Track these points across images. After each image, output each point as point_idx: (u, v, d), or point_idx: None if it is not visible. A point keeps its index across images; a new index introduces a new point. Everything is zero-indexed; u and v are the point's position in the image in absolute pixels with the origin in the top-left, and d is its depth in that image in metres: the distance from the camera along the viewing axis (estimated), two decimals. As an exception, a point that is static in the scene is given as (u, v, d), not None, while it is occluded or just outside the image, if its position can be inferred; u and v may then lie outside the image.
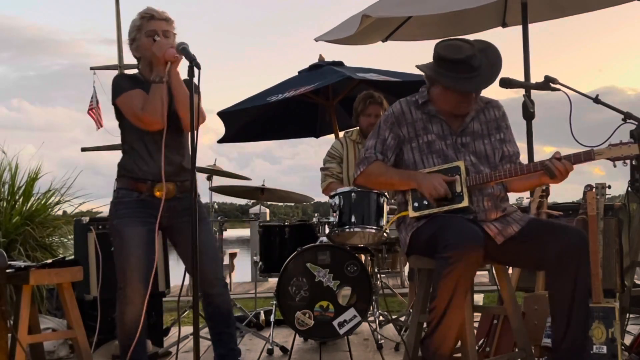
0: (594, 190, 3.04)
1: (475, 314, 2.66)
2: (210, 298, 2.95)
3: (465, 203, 2.54)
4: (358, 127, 4.44)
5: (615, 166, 2.49)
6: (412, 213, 2.63)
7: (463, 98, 2.63)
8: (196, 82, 2.45)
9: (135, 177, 2.87)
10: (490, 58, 2.63)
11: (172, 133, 2.80)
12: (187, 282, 3.03)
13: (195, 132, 2.43)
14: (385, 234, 3.80)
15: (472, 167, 2.63)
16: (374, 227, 3.74)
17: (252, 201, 7.29)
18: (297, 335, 4.14)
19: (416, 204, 2.63)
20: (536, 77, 2.99)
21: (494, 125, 2.74)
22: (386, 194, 3.84)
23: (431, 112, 2.70)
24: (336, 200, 3.82)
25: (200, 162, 4.12)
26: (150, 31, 2.83)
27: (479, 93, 2.67)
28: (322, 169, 4.46)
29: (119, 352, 3.71)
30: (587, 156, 2.49)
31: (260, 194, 4.52)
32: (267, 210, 9.91)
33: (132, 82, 2.86)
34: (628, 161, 2.55)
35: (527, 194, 3.78)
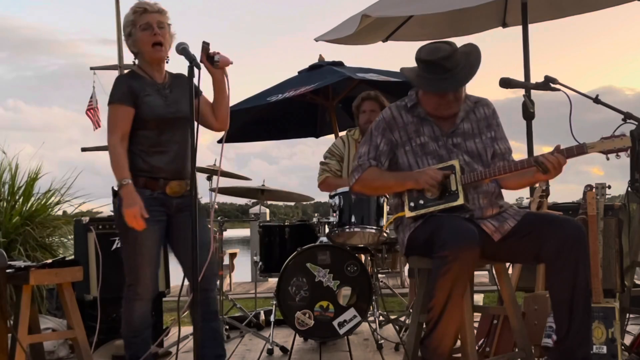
0: (594, 190, 3.04)
1: (475, 314, 2.66)
2: (207, 293, 2.96)
3: (460, 201, 2.55)
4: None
5: (608, 159, 2.47)
6: (408, 213, 2.64)
7: (439, 99, 2.65)
8: (196, 83, 2.49)
9: (147, 176, 2.89)
10: (470, 60, 2.64)
11: (179, 131, 2.88)
12: (186, 282, 3.05)
13: (196, 132, 2.46)
14: (385, 234, 3.80)
15: (466, 165, 2.64)
16: (374, 227, 3.75)
17: (252, 201, 7.29)
18: (297, 335, 4.14)
19: (412, 204, 2.63)
20: (536, 77, 3.00)
21: (484, 123, 2.75)
22: (386, 194, 3.85)
23: (421, 115, 2.72)
24: (336, 200, 3.83)
25: (200, 162, 4.11)
26: (144, 24, 2.85)
27: (458, 92, 2.66)
28: (321, 163, 4.48)
29: (119, 352, 3.74)
30: (580, 149, 2.48)
31: (260, 194, 4.52)
32: (267, 210, 9.90)
33: (128, 85, 2.87)
34: (628, 160, 2.54)
35: (527, 193, 3.78)
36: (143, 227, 2.75)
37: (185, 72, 2.54)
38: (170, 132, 2.87)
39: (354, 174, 2.77)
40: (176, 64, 2.95)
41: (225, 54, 2.75)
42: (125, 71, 3.00)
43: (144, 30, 2.84)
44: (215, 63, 2.72)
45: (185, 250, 2.90)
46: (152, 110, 2.86)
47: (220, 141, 6.02)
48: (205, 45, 2.71)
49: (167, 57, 2.93)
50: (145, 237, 2.84)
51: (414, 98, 2.74)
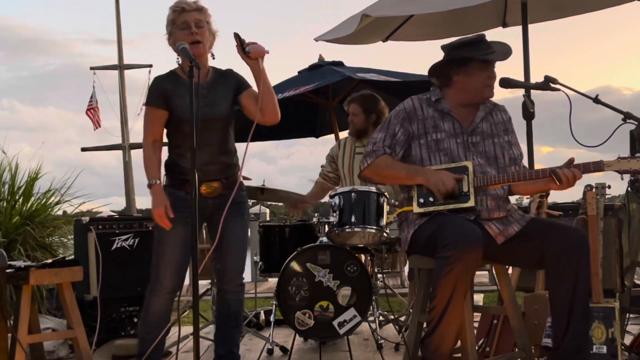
0: (594, 190, 3.04)
1: (475, 314, 2.66)
2: (225, 294, 3.02)
3: (471, 203, 2.55)
4: None
5: (622, 179, 2.52)
6: (416, 209, 2.63)
7: (490, 74, 2.67)
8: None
9: (181, 177, 2.92)
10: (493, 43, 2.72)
11: (214, 132, 2.91)
12: (186, 282, 3.06)
13: (196, 131, 2.47)
14: (385, 234, 3.80)
15: (478, 167, 2.64)
16: (374, 227, 3.75)
17: (252, 201, 7.27)
18: (297, 335, 4.13)
19: (421, 200, 2.62)
20: (536, 77, 3.00)
21: (502, 127, 2.78)
22: (386, 193, 3.85)
23: (444, 110, 2.72)
24: (336, 200, 3.83)
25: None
26: (182, 23, 2.84)
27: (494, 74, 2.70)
28: (321, 166, 4.61)
29: (119, 352, 3.74)
30: (597, 167, 2.52)
31: (260, 194, 4.52)
32: (267, 210, 9.90)
33: (160, 87, 2.91)
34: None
35: (527, 193, 3.78)
36: (169, 227, 2.79)
37: (233, 68, 2.58)
38: (203, 133, 2.81)
39: (366, 158, 2.75)
40: (223, 60, 3.01)
41: (261, 44, 2.74)
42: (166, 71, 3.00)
43: (182, 30, 2.83)
44: (246, 53, 2.71)
45: (220, 250, 2.94)
46: (184, 113, 2.83)
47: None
48: (236, 36, 2.71)
49: (212, 54, 2.93)
50: (169, 238, 2.87)
51: (438, 93, 2.75)
